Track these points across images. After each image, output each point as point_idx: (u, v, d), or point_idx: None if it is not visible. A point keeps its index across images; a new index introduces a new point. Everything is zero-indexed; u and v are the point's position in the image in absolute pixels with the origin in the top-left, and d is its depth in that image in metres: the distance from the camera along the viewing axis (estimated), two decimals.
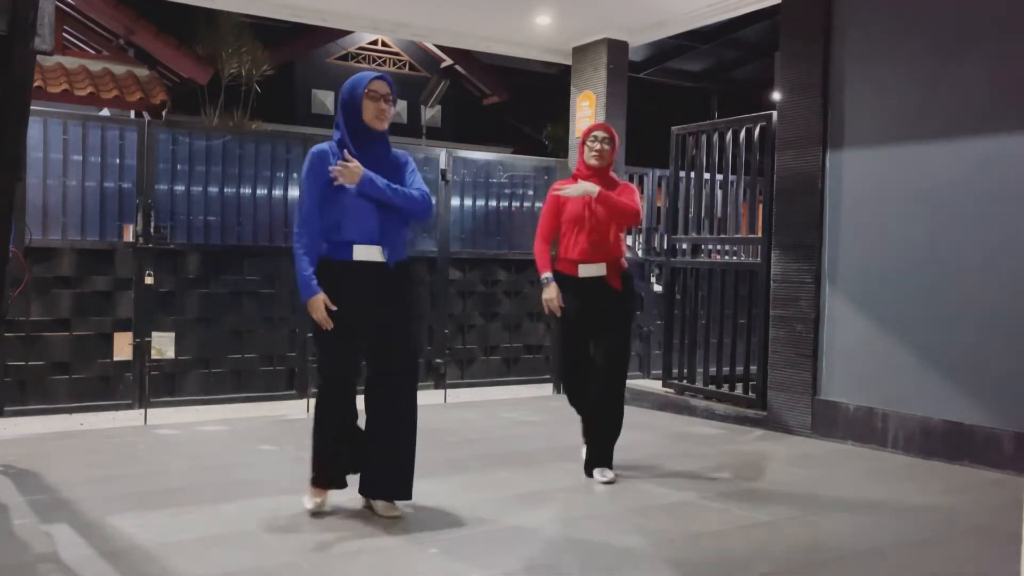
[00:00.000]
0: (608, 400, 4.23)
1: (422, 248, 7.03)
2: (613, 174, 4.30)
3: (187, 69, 10.33)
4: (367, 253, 3.46)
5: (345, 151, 3.45)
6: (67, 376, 5.70)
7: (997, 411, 4.54)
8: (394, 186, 3.50)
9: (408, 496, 3.57)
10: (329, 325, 3.39)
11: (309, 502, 3.57)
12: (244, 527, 3.36)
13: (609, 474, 4.20)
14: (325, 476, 3.58)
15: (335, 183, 3.41)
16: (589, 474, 4.25)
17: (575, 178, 4.26)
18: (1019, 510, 3.58)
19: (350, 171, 3.41)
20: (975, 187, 4.68)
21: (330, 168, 3.42)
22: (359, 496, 3.62)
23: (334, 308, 3.39)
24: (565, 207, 4.24)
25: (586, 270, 4.17)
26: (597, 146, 4.20)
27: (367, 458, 3.56)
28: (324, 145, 3.52)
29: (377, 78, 3.51)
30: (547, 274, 4.23)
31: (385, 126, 3.53)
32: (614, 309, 4.22)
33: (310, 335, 3.58)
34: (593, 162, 4.21)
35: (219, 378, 6.22)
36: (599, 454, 4.26)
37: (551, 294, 4.19)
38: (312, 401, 3.72)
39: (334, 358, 3.52)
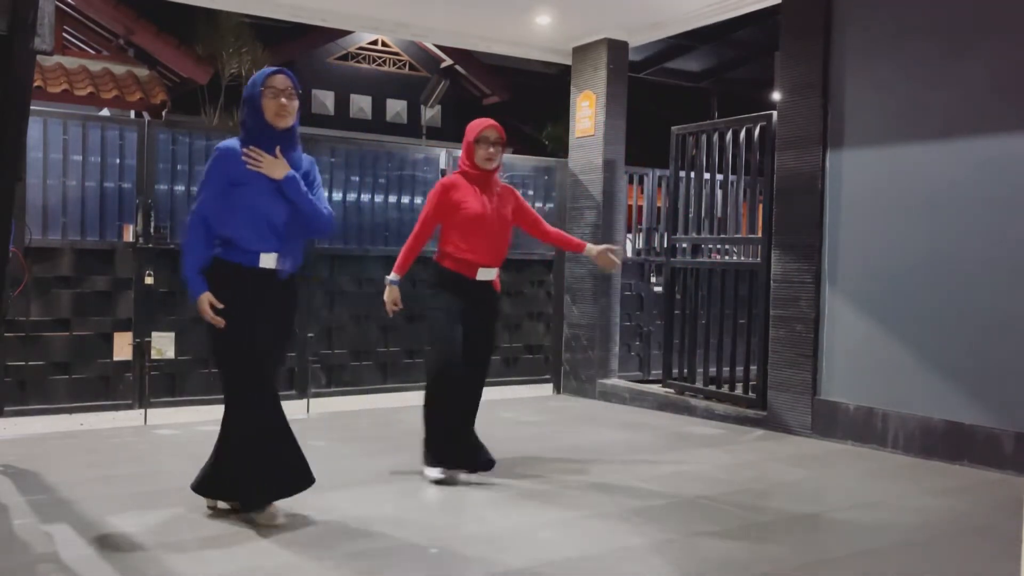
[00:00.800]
0: (476, 400, 4.28)
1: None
2: (497, 175, 4.25)
3: (187, 69, 10.34)
4: (273, 262, 3.35)
5: (252, 148, 3.31)
6: (67, 376, 5.69)
7: (997, 411, 4.54)
8: (311, 197, 3.40)
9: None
10: (220, 323, 3.27)
11: (275, 519, 3.35)
12: (244, 527, 3.35)
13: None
14: (273, 491, 3.37)
15: (249, 168, 3.27)
16: (473, 469, 4.20)
17: (462, 174, 4.18)
18: (1019, 510, 3.58)
19: (276, 164, 3.30)
20: (975, 187, 4.68)
21: (248, 155, 3.29)
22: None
23: (220, 306, 3.27)
24: (462, 205, 4.11)
25: (484, 274, 4.15)
26: (491, 150, 4.10)
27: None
28: (232, 141, 3.36)
29: (276, 72, 3.36)
30: (396, 276, 4.21)
31: (288, 123, 3.36)
32: (493, 311, 4.27)
33: (217, 342, 3.37)
34: (486, 166, 4.14)
35: (219, 378, 6.20)
36: (477, 452, 4.24)
37: (393, 296, 4.19)
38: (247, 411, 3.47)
39: (253, 360, 3.35)
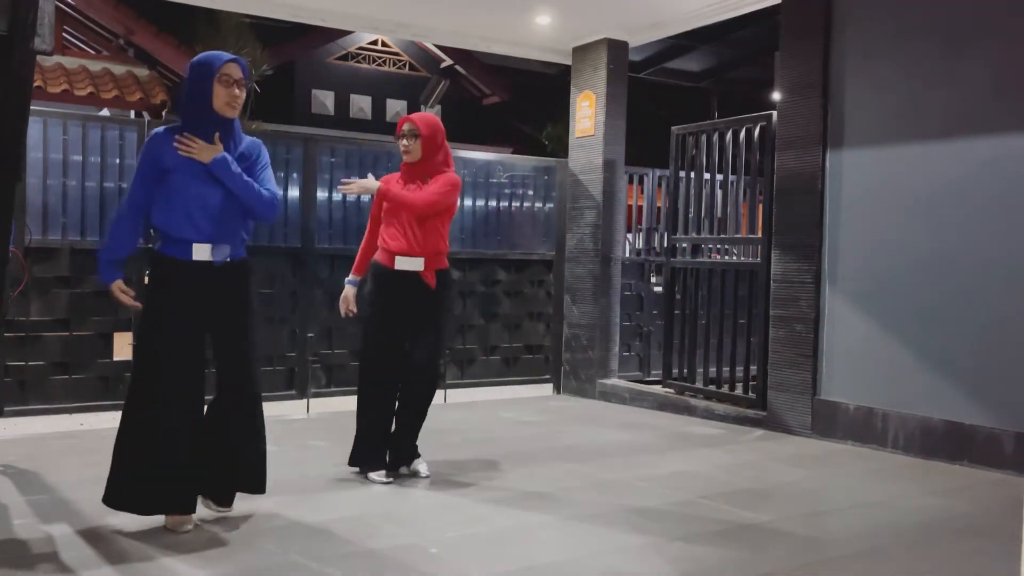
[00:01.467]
0: (421, 400, 4.20)
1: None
2: (444, 168, 4.21)
3: None
4: (207, 253, 3.25)
5: (185, 134, 3.21)
6: (67, 376, 5.69)
7: (997, 411, 4.54)
8: (247, 179, 3.28)
9: (262, 490, 3.48)
10: (137, 305, 3.22)
11: (180, 526, 3.27)
12: (244, 528, 3.35)
13: (425, 464, 4.22)
14: (175, 501, 3.24)
15: (181, 153, 3.18)
16: (396, 470, 4.18)
17: (401, 169, 4.23)
18: (1019, 510, 3.58)
19: (207, 148, 3.20)
20: (975, 187, 4.68)
21: (178, 140, 3.19)
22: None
23: (132, 293, 3.23)
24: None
25: (402, 263, 4.09)
26: (404, 142, 4.15)
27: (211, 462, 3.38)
28: (164, 128, 3.27)
29: (231, 61, 3.25)
30: (353, 277, 4.27)
31: (236, 114, 3.28)
32: (428, 308, 4.16)
33: (138, 341, 3.26)
34: (405, 158, 4.19)
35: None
36: (410, 450, 4.23)
37: (346, 296, 4.24)
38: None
39: (178, 364, 3.21)
